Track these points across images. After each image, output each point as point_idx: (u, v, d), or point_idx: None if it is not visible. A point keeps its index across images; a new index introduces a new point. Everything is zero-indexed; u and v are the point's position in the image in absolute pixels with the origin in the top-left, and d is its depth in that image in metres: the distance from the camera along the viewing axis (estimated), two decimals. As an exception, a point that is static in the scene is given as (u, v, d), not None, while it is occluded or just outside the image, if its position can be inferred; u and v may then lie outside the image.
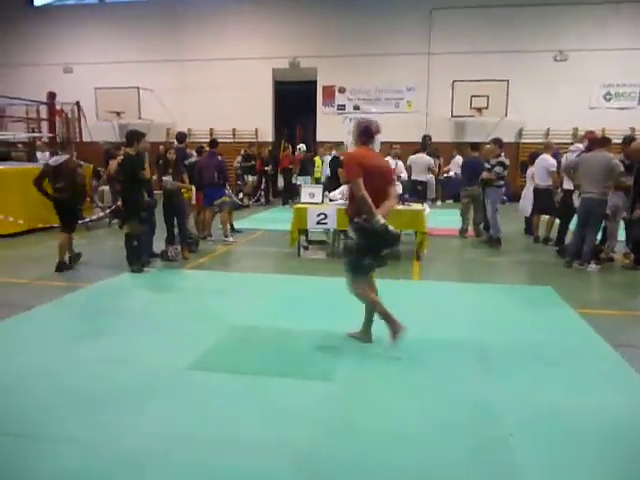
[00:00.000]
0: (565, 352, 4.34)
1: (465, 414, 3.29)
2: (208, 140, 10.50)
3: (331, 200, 8.48)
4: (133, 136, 6.90)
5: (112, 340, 4.59)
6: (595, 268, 7.20)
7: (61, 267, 7.10)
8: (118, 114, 18.90)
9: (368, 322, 4.53)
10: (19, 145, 15.08)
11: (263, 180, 15.89)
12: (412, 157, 12.19)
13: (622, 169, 7.00)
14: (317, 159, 13.50)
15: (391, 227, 4.03)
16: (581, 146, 8.39)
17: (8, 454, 2.87)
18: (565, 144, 12.83)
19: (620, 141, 8.06)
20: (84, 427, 3.11)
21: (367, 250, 4.15)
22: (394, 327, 4.26)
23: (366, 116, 15.17)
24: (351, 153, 4.57)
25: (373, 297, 4.37)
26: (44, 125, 14.23)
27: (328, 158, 15.11)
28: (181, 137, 9.54)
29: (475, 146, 9.95)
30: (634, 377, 3.83)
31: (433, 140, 16.40)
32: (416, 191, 11.07)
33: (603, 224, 7.76)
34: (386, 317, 4.30)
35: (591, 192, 7.09)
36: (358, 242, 4.13)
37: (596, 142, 7.40)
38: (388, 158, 9.46)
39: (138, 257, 6.96)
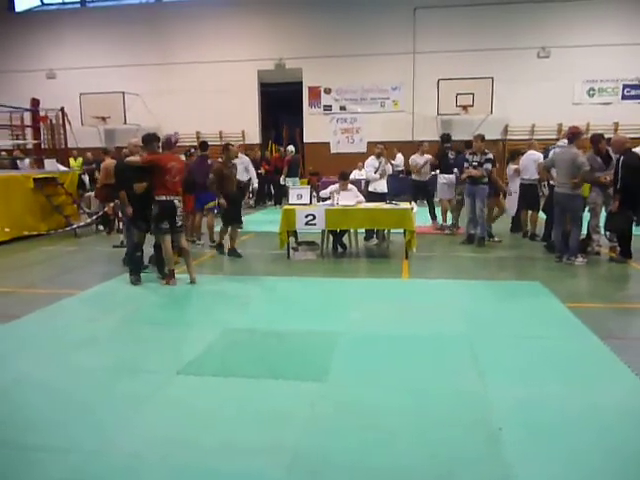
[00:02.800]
0: (554, 345, 4.38)
1: (456, 409, 3.30)
2: (196, 143, 10.47)
3: (321, 200, 8.50)
4: (146, 140, 6.66)
5: (104, 347, 4.56)
6: (582, 261, 7.28)
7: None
8: (104, 119, 18.80)
9: (187, 265, 6.68)
10: (3, 153, 14.95)
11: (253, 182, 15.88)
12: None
13: (588, 167, 7.13)
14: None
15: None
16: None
17: (2, 464, 2.85)
18: (550, 140, 12.94)
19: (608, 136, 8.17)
20: (78, 434, 3.08)
21: (163, 217, 6.38)
22: (168, 274, 6.55)
23: (352, 116, 15.21)
24: (159, 157, 6.48)
25: (168, 249, 6.49)
26: (28, 132, 14.11)
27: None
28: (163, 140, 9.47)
29: (469, 144, 9.96)
30: (622, 368, 3.87)
31: (420, 138, 16.38)
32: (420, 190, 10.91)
33: (589, 218, 7.87)
34: (168, 263, 6.55)
35: (562, 187, 7.27)
36: (156, 212, 6.36)
37: (567, 138, 7.52)
38: (372, 157, 9.47)
39: (140, 268, 6.81)
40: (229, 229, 8.27)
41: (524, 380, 3.72)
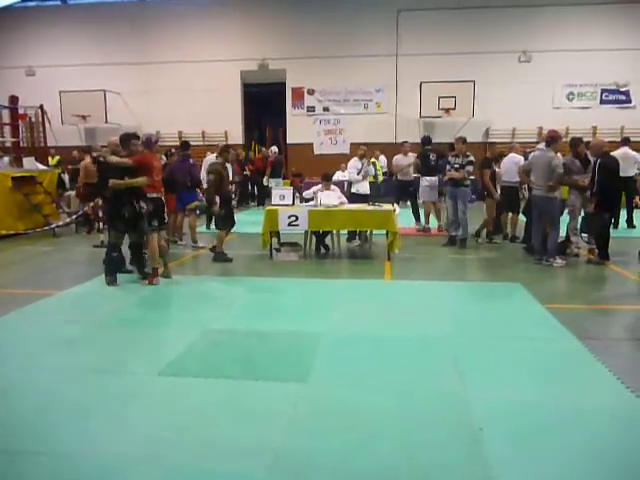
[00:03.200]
0: (534, 346, 4.43)
1: (438, 410, 3.32)
2: (178, 143, 10.40)
3: (304, 200, 8.50)
4: (124, 140, 6.53)
5: (83, 348, 4.50)
6: (561, 263, 7.37)
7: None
8: (84, 118, 18.56)
9: (165, 264, 6.76)
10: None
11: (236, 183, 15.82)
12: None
13: (561, 170, 7.25)
14: (376, 162, 13.26)
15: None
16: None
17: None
18: (531, 143, 13.08)
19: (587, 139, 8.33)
20: (61, 436, 3.05)
21: (155, 215, 6.47)
22: (152, 272, 6.51)
23: (335, 117, 15.25)
24: (146, 156, 6.54)
25: (155, 247, 6.48)
26: (7, 130, 13.86)
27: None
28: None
29: (453, 147, 10.04)
30: (599, 368, 3.93)
31: (401, 140, 16.38)
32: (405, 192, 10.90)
33: (568, 221, 7.99)
34: (152, 261, 6.52)
35: (538, 189, 7.39)
36: (150, 209, 6.39)
37: (545, 142, 7.63)
38: (354, 159, 9.50)
39: (115, 269, 6.61)
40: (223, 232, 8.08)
41: (505, 381, 3.75)
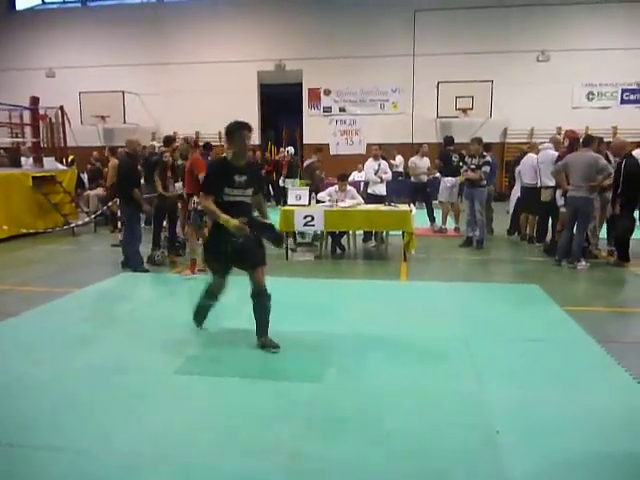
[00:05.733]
0: (552, 348, 4.38)
1: (454, 411, 3.30)
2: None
3: (318, 202, 8.49)
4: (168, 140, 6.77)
5: (100, 346, 4.55)
6: (585, 266, 7.23)
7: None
8: (103, 118, 18.76)
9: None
10: (1, 151, 14.88)
11: None
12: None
13: (612, 170, 7.12)
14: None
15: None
16: (551, 145, 8.52)
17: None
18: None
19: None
20: (77, 433, 3.08)
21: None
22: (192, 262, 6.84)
23: (352, 118, 15.22)
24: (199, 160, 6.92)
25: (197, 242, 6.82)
26: (27, 130, 14.06)
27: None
28: (167, 140, 9.43)
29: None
30: (619, 372, 3.87)
31: (419, 141, 16.26)
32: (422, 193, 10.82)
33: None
34: (194, 254, 6.87)
35: (578, 190, 7.14)
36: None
37: (582, 142, 7.48)
38: (370, 159, 9.50)
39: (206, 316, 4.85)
40: None
41: (521, 383, 3.72)
